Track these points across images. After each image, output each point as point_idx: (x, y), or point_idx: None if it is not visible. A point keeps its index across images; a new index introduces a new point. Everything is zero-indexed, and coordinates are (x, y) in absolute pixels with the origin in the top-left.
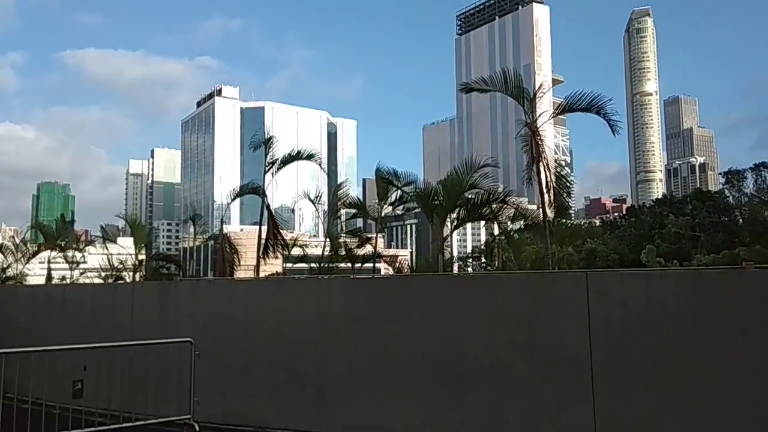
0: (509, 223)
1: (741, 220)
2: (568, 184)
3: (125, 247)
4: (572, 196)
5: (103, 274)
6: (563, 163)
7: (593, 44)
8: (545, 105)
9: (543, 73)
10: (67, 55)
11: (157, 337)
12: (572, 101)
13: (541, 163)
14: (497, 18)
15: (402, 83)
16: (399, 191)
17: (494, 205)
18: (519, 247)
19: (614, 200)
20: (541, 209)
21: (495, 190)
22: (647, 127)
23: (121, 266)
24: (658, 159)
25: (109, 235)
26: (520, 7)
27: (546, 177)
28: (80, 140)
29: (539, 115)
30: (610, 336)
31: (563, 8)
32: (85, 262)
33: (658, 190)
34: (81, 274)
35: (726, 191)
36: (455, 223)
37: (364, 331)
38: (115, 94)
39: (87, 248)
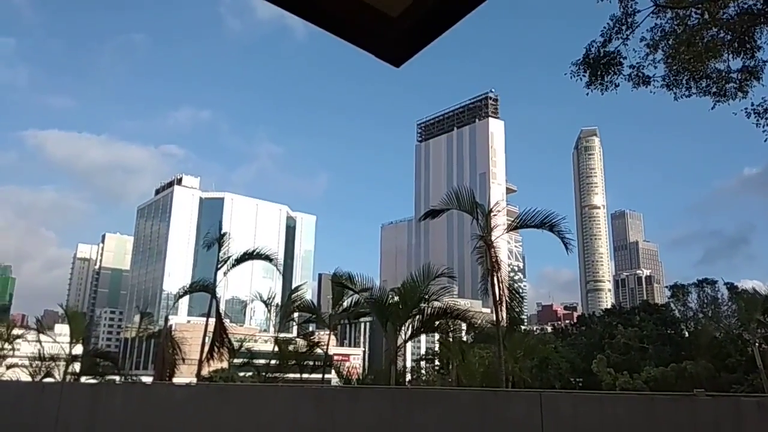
0: (464, 334)
1: (687, 334)
2: (520, 297)
3: (59, 337)
4: (524, 307)
5: (32, 368)
6: (516, 268)
7: (545, 158)
8: (500, 215)
9: (497, 182)
10: (28, 135)
11: None
12: (526, 218)
13: (495, 277)
14: (455, 129)
15: (364, 182)
16: (354, 296)
17: (449, 320)
18: (472, 359)
19: (565, 307)
20: (495, 323)
21: (451, 304)
22: (596, 239)
23: (52, 361)
24: (606, 269)
25: (43, 328)
26: (477, 120)
27: (500, 290)
28: (30, 221)
29: (493, 228)
30: None
31: (518, 123)
32: (18, 349)
33: (607, 299)
34: (8, 368)
35: (672, 305)
36: (409, 333)
37: None
38: (72, 176)
39: (19, 339)
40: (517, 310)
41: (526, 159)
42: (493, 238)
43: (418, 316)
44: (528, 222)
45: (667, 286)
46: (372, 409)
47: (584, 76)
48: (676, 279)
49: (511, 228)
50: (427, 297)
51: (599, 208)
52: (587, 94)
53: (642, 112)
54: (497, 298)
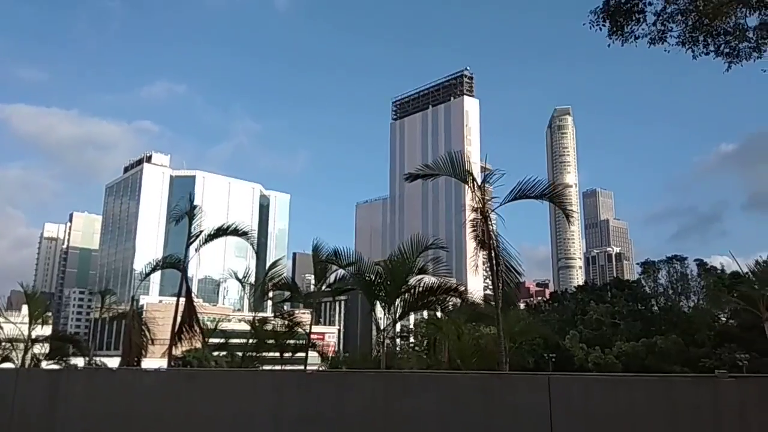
0: (451, 310)
1: (657, 309)
2: (517, 274)
3: (17, 321)
4: (519, 286)
5: None
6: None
7: (518, 136)
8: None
9: (472, 161)
10: None
11: None
12: (526, 188)
13: (492, 251)
14: (430, 107)
15: (339, 162)
16: (337, 272)
17: (441, 295)
18: (465, 339)
19: (538, 284)
20: (494, 300)
21: (444, 280)
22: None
23: (9, 344)
24: (577, 247)
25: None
26: (452, 98)
27: (495, 266)
28: None
29: (490, 200)
30: None
31: (492, 101)
32: None
33: (578, 276)
34: None
35: (642, 281)
36: (399, 312)
37: None
38: (41, 153)
39: None
40: (512, 286)
41: (499, 137)
42: (488, 209)
43: (406, 293)
44: (528, 192)
45: (638, 263)
46: (362, 394)
47: (604, 25)
48: (649, 255)
49: (510, 198)
50: (417, 271)
51: (571, 186)
52: (608, 45)
53: (619, 87)
54: (494, 274)
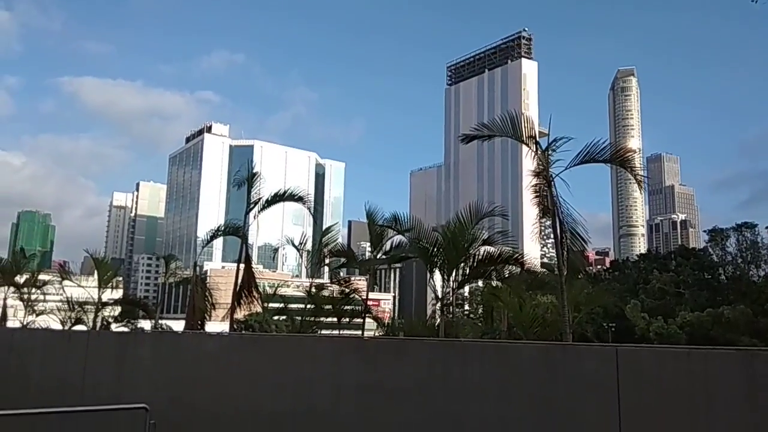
0: (508, 278)
1: (725, 278)
2: (583, 241)
3: (86, 286)
4: (586, 253)
5: (61, 315)
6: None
7: (579, 99)
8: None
9: (530, 126)
10: (64, 82)
11: (109, 398)
12: (594, 151)
13: (557, 217)
14: (486, 71)
15: (394, 130)
16: (393, 239)
17: (501, 264)
18: (526, 309)
19: (597, 253)
20: (558, 269)
21: (505, 249)
22: (630, 182)
23: (80, 308)
24: (640, 214)
25: (67, 274)
26: (509, 61)
27: (560, 233)
28: (68, 169)
29: (553, 164)
30: (646, 426)
31: (551, 63)
32: (61, 294)
33: (640, 244)
34: (37, 315)
35: (710, 249)
36: (459, 280)
37: (350, 403)
38: (109, 124)
39: (53, 284)
40: (579, 254)
41: (559, 100)
42: (552, 173)
43: (464, 262)
44: (596, 156)
45: (705, 231)
46: (421, 361)
47: None
48: (717, 223)
49: (577, 162)
50: (476, 239)
51: (635, 151)
52: None
53: (689, 45)
54: (558, 242)
